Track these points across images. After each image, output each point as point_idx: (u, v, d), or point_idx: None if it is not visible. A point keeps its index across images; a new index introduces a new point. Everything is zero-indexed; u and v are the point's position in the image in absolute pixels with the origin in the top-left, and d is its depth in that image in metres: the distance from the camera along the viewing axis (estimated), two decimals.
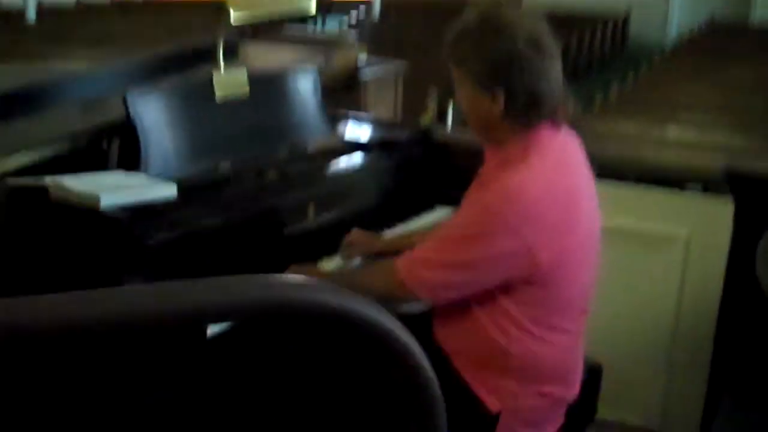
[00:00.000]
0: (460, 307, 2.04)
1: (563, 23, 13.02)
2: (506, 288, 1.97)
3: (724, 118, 7.26)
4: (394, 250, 2.38)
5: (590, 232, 2.06)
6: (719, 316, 2.86)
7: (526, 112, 1.97)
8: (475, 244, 1.93)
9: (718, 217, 2.86)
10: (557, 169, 1.98)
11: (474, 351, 2.06)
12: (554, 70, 1.99)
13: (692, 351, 2.99)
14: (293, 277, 0.91)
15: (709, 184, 2.88)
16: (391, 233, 2.63)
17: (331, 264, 2.42)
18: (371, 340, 0.89)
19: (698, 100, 8.04)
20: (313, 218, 2.52)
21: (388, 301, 2.00)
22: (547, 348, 2.04)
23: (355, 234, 2.48)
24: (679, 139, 6.79)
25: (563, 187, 1.97)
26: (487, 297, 2.00)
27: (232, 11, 2.55)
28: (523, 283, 1.96)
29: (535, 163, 1.95)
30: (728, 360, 2.89)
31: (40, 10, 13.05)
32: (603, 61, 13.71)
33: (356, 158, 2.80)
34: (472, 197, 2.02)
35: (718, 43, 11.55)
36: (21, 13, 12.64)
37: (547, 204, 1.92)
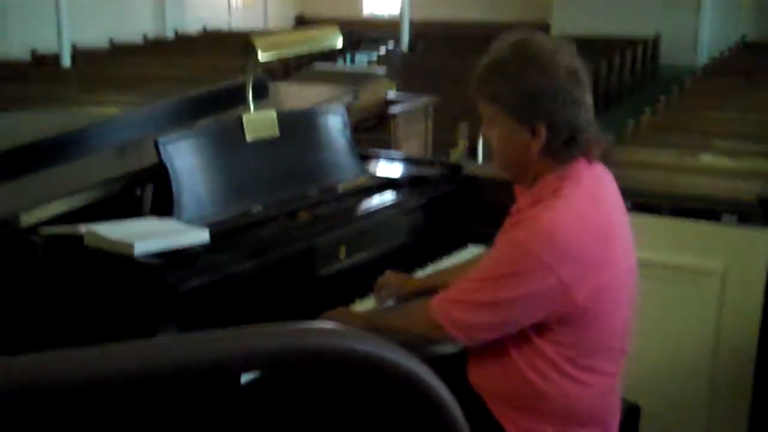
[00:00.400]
0: (496, 348, 2.00)
1: (593, 48, 13.08)
2: (542, 328, 1.93)
3: (757, 143, 7.19)
4: (428, 290, 2.37)
5: (626, 268, 2.01)
6: (759, 349, 2.80)
7: (567, 146, 1.92)
8: (510, 284, 1.88)
9: (754, 248, 2.82)
10: (591, 203, 1.93)
11: (509, 393, 2.02)
12: (589, 98, 1.95)
13: (732, 390, 2.93)
14: (322, 325, 0.91)
15: (744, 214, 2.84)
16: (424, 273, 2.63)
17: (364, 307, 2.42)
18: (400, 386, 0.88)
19: (731, 126, 7.98)
20: (345, 259, 2.52)
21: (424, 342, 1.99)
22: (585, 390, 1.99)
23: (388, 276, 2.46)
24: (712, 167, 6.74)
25: (598, 222, 1.92)
26: (523, 337, 1.96)
27: (259, 50, 2.57)
28: (559, 323, 1.92)
29: (568, 198, 1.90)
30: None
31: (75, 54, 13.29)
32: (634, 85, 13.67)
33: (387, 197, 2.81)
34: (506, 236, 1.97)
35: (750, 63, 11.49)
36: (56, 57, 12.89)
37: (582, 240, 1.87)
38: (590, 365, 1.99)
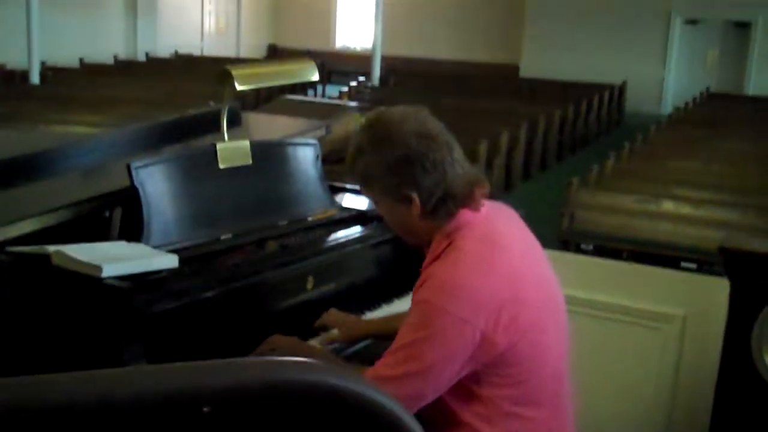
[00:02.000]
0: (443, 410, 2.00)
1: (561, 91, 13.24)
2: (477, 377, 1.95)
3: (720, 193, 7.32)
4: (373, 336, 2.40)
5: (545, 297, 2.03)
6: (716, 397, 2.85)
7: (444, 203, 1.98)
8: (428, 346, 1.89)
9: (713, 296, 2.87)
10: (487, 245, 1.97)
11: None
12: (455, 154, 2.00)
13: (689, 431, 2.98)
14: (295, 359, 0.92)
15: (704, 263, 2.89)
16: (389, 308, 2.65)
17: (316, 342, 2.41)
18: (380, 425, 0.89)
19: (693, 175, 8.12)
20: (312, 290, 2.54)
21: None
22: (534, 425, 2.01)
23: (333, 315, 2.44)
24: (674, 214, 6.84)
25: (498, 261, 1.95)
26: (462, 392, 1.97)
27: (236, 80, 2.59)
28: (490, 367, 1.93)
29: (463, 247, 1.95)
30: None
31: (45, 71, 13.21)
32: (599, 130, 13.86)
33: (356, 230, 2.83)
34: (414, 299, 1.99)
35: (714, 114, 11.73)
36: (25, 74, 12.80)
37: (486, 282, 1.90)
38: (532, 400, 2.00)
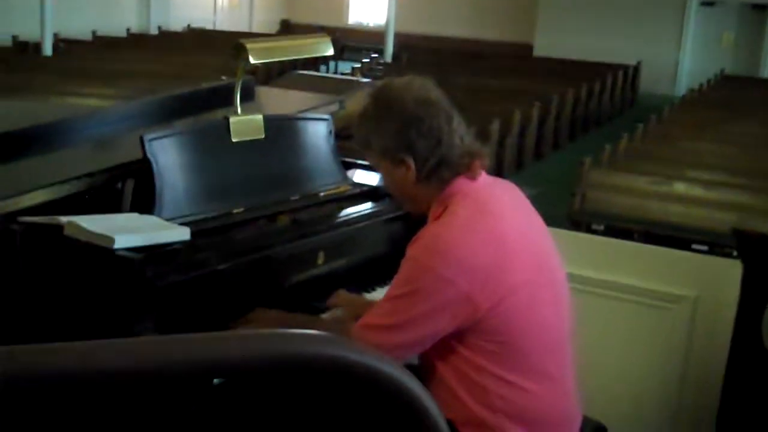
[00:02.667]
0: (439, 378, 2.03)
1: (574, 71, 13.14)
2: (466, 341, 1.98)
3: (732, 175, 7.29)
4: None
5: (538, 269, 2.05)
6: (725, 379, 2.85)
7: (439, 170, 2.04)
8: (414, 301, 1.95)
9: (725, 278, 2.86)
10: (478, 213, 2.02)
11: (465, 412, 2.03)
12: (454, 124, 2.07)
13: (697, 414, 2.97)
14: (309, 332, 0.92)
15: (715, 245, 2.88)
16: (383, 291, 2.65)
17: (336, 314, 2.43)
18: (389, 395, 0.89)
19: (706, 157, 8.08)
20: (322, 265, 2.54)
21: None
22: (530, 396, 2.03)
23: (341, 296, 2.47)
24: (685, 195, 6.82)
25: (486, 229, 1.99)
26: (455, 358, 2.00)
27: (250, 54, 2.57)
28: (475, 331, 1.96)
29: (454, 212, 2.01)
30: (733, 425, 2.87)
31: (57, 43, 13.20)
32: (613, 110, 13.79)
33: (367, 205, 2.83)
34: (405, 255, 2.04)
35: (728, 96, 11.65)
36: (38, 46, 12.80)
37: (472, 247, 1.94)
38: (529, 368, 2.02)
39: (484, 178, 2.10)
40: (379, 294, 2.58)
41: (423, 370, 2.04)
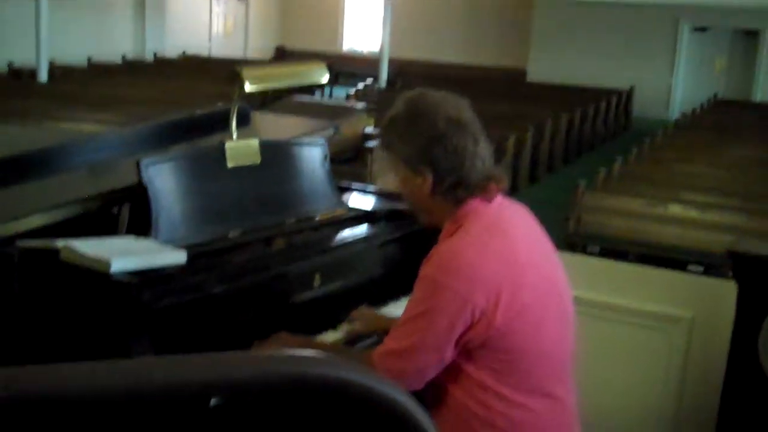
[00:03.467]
0: (442, 395, 2.05)
1: (568, 96, 13.22)
2: (474, 358, 1.99)
3: (727, 197, 7.31)
4: None
5: (548, 291, 2.07)
6: (722, 398, 2.85)
7: (455, 190, 2.05)
8: (429, 320, 1.96)
9: (721, 299, 2.87)
10: (492, 232, 2.03)
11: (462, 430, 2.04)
12: (480, 148, 2.07)
13: None
14: (309, 352, 0.92)
15: (710, 266, 2.89)
16: (396, 306, 2.65)
17: (335, 337, 2.43)
18: (389, 419, 0.89)
19: (701, 179, 8.11)
20: (318, 288, 2.54)
21: None
22: (530, 415, 2.03)
23: (363, 310, 2.50)
24: (680, 217, 6.83)
25: (502, 247, 2.01)
26: (460, 375, 2.01)
27: (246, 81, 2.59)
28: (486, 349, 1.97)
29: (468, 231, 2.02)
30: None
31: (53, 69, 13.25)
32: (606, 135, 13.85)
33: (363, 229, 2.84)
34: (419, 274, 2.05)
35: (721, 120, 11.71)
36: (33, 72, 12.83)
37: (486, 264, 1.96)
38: (532, 387, 2.03)
39: (499, 200, 2.12)
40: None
41: (426, 388, 2.05)
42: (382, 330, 2.41)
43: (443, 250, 2.01)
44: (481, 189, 2.06)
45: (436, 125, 2.04)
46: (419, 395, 2.07)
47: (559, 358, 2.10)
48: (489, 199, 2.08)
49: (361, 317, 2.48)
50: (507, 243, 2.03)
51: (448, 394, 2.04)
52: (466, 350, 1.98)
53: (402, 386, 1.93)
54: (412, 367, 1.99)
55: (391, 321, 2.46)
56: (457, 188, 2.05)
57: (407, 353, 1.99)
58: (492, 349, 1.98)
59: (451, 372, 2.02)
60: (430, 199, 2.09)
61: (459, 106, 2.10)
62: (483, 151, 2.08)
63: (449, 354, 1.98)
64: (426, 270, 2.00)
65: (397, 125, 2.11)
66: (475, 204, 2.07)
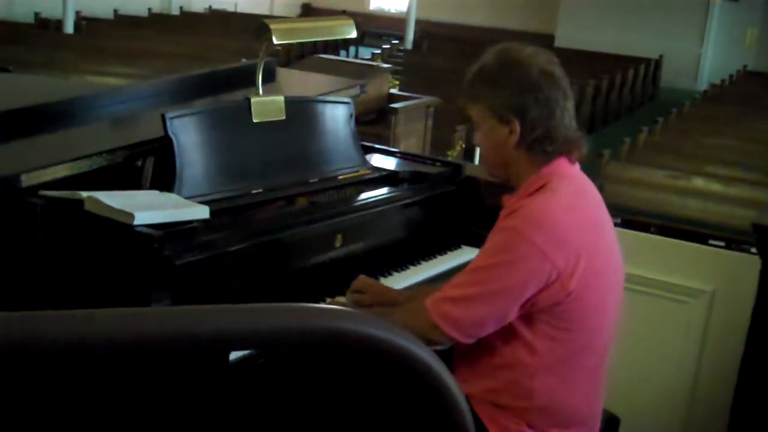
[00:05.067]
0: (486, 348, 2.03)
1: (595, 62, 13.03)
2: (534, 324, 1.96)
3: (752, 171, 7.24)
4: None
5: (613, 266, 2.06)
6: (740, 373, 2.84)
7: (542, 143, 2.02)
8: (504, 271, 1.92)
9: (743, 273, 2.85)
10: (579, 196, 2.03)
11: (496, 393, 2.04)
12: (569, 106, 2.05)
13: (711, 408, 2.97)
14: (336, 307, 0.92)
15: (732, 241, 2.86)
16: (416, 270, 2.65)
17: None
18: (408, 372, 0.88)
19: (726, 153, 8.02)
20: (340, 248, 2.54)
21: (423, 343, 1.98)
22: (571, 390, 2.03)
23: (362, 280, 2.39)
24: (704, 191, 6.77)
25: (585, 213, 2.01)
26: (513, 334, 1.98)
27: (274, 35, 2.57)
28: (550, 316, 1.95)
29: (556, 190, 1.99)
30: (746, 419, 2.86)
31: (79, 21, 13.23)
32: (633, 104, 13.71)
33: (386, 190, 2.83)
34: (498, 226, 2.02)
35: (750, 92, 11.55)
36: (59, 23, 12.83)
37: (572, 227, 1.94)
38: (579, 363, 2.03)
39: (578, 168, 2.10)
40: (395, 279, 2.58)
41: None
42: (389, 303, 2.38)
43: (532, 204, 1.96)
44: (568, 148, 2.03)
45: (529, 75, 2.00)
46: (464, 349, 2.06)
47: (609, 334, 2.09)
48: (573, 161, 2.06)
49: (365, 287, 2.39)
50: (591, 207, 2.03)
51: (495, 353, 2.02)
52: (528, 314, 1.95)
53: (453, 336, 1.93)
54: (470, 317, 1.94)
55: (400, 293, 2.43)
56: (544, 141, 2.01)
57: (470, 302, 1.94)
58: (555, 316, 1.95)
59: (506, 330, 1.98)
60: (513, 151, 2.04)
61: (551, 60, 2.07)
62: (571, 109, 2.06)
63: (513, 313, 1.94)
64: (510, 222, 1.96)
65: (487, 74, 2.06)
66: (561, 163, 2.04)
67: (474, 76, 2.08)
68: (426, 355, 0.83)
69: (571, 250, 1.91)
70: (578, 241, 1.93)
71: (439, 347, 2.00)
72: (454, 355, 2.14)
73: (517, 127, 2.01)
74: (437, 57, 13.13)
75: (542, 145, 2.02)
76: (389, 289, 2.43)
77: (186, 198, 2.31)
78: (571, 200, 1.99)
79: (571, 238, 1.92)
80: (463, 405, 0.85)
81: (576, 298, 1.93)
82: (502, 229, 1.98)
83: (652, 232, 3.42)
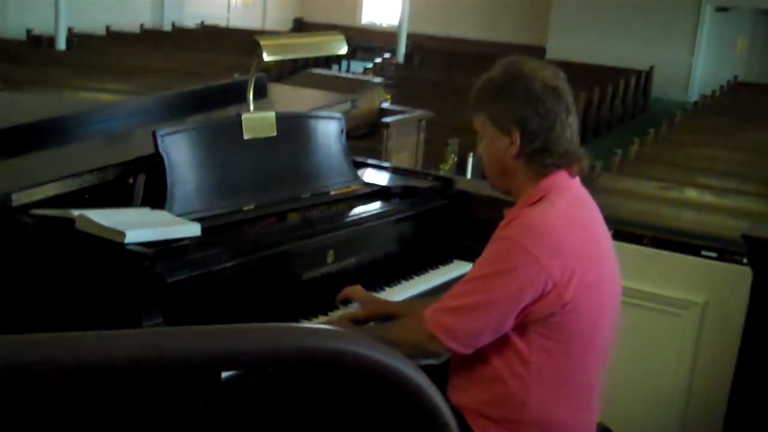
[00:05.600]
0: (481, 360, 2.03)
1: (587, 74, 13.11)
2: (528, 334, 1.96)
3: (744, 182, 7.26)
4: (395, 317, 2.35)
5: (610, 279, 2.07)
6: (733, 384, 2.84)
7: (541, 155, 2.03)
8: (500, 280, 1.93)
9: (735, 284, 2.86)
10: (576, 206, 2.04)
11: (490, 405, 2.04)
12: (571, 121, 2.06)
13: (704, 420, 2.97)
14: (325, 327, 0.92)
15: (725, 252, 2.87)
16: (408, 285, 2.65)
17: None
18: (398, 392, 0.89)
19: (718, 164, 8.05)
20: (332, 263, 2.54)
21: (419, 354, 1.98)
22: (565, 403, 2.03)
23: (357, 291, 2.43)
24: (696, 202, 6.79)
25: (583, 223, 2.02)
26: (508, 346, 1.99)
27: (265, 51, 2.57)
28: (544, 327, 1.95)
29: (555, 202, 2.00)
30: (740, 430, 2.86)
31: (71, 37, 13.25)
32: (624, 115, 13.76)
33: (378, 205, 2.83)
34: (495, 236, 2.02)
35: (741, 102, 11.60)
36: (51, 40, 12.84)
37: (569, 237, 1.95)
38: (575, 377, 2.03)
39: (578, 182, 2.12)
40: (387, 294, 2.58)
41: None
42: (383, 316, 2.38)
43: (529, 215, 1.98)
44: (567, 161, 2.04)
45: (532, 87, 2.02)
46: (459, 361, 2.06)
47: (605, 348, 2.09)
48: (573, 175, 2.07)
49: (359, 297, 2.42)
50: (589, 222, 2.04)
51: (488, 365, 2.02)
52: (523, 325, 1.96)
53: (450, 346, 1.93)
54: (467, 328, 1.95)
55: (393, 306, 2.44)
56: (544, 154, 2.03)
57: (466, 312, 1.95)
58: (550, 328, 1.95)
59: (500, 341, 1.98)
60: (513, 162, 2.06)
61: (557, 75, 2.09)
62: (574, 124, 2.07)
63: (509, 323, 1.95)
64: (507, 231, 1.97)
65: (492, 85, 2.10)
66: (560, 177, 2.05)
67: (480, 86, 2.12)
68: (415, 374, 0.83)
69: (567, 261, 1.92)
70: (575, 252, 1.94)
71: (436, 359, 2.01)
72: (449, 368, 2.14)
73: (517, 138, 2.03)
74: (429, 70, 13.17)
75: (541, 157, 2.03)
76: (382, 302, 2.44)
77: (177, 215, 2.31)
78: (569, 211, 2.00)
79: (568, 248, 1.93)
80: (453, 425, 0.85)
81: (571, 310, 1.93)
82: (499, 238, 1.99)
83: (644, 244, 3.42)
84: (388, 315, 2.38)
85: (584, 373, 2.05)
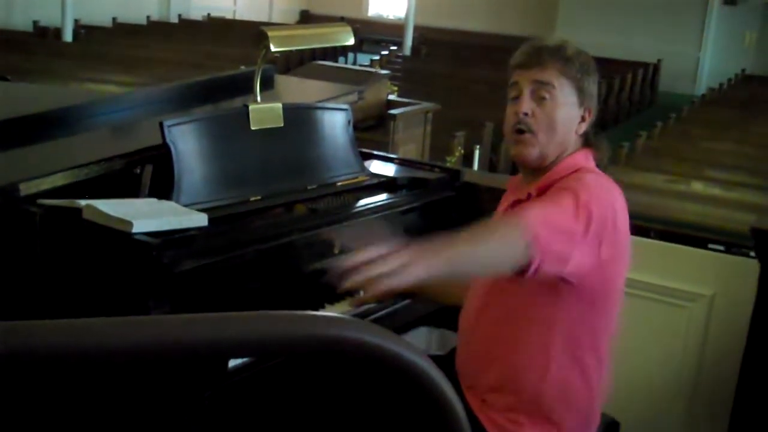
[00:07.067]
0: (507, 326, 2.06)
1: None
2: (559, 294, 1.97)
3: (751, 175, 7.24)
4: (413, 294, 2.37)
5: (627, 255, 2.08)
6: (740, 377, 2.83)
7: (591, 134, 2.15)
8: (586, 212, 1.90)
9: (743, 277, 2.85)
10: (608, 181, 2.09)
11: (499, 392, 2.07)
12: None
13: (712, 413, 2.97)
14: (329, 314, 0.92)
15: (732, 246, 2.86)
16: None
17: (339, 308, 2.40)
18: (404, 378, 0.88)
19: (725, 157, 8.02)
20: (338, 254, 2.54)
21: (509, 258, 1.87)
22: (580, 380, 2.06)
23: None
24: (703, 195, 6.77)
25: (615, 195, 2.04)
26: (542, 315, 2.01)
27: (272, 41, 2.57)
28: (577, 287, 1.95)
29: (583, 177, 2.04)
30: (747, 423, 2.86)
31: (77, 29, 13.26)
32: (631, 108, 13.72)
33: (384, 196, 2.83)
34: (555, 188, 2.02)
35: (749, 96, 11.55)
36: (58, 32, 12.85)
37: (610, 190, 2.02)
38: (595, 346, 2.06)
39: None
40: None
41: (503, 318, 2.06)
42: (392, 297, 2.36)
43: (573, 178, 2.03)
44: (597, 145, 2.15)
45: (596, 70, 2.17)
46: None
47: (614, 323, 2.11)
48: (599, 159, 2.15)
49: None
50: (619, 194, 2.07)
51: (515, 326, 2.06)
52: (556, 291, 1.95)
53: (535, 260, 1.85)
54: (557, 248, 1.86)
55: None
56: (592, 134, 2.14)
57: (554, 228, 1.87)
58: (582, 287, 1.95)
59: (526, 303, 2.02)
60: (574, 135, 2.11)
61: None
62: None
63: (580, 255, 1.88)
64: (568, 182, 2.00)
65: (583, 58, 2.16)
66: (589, 157, 2.12)
67: (573, 54, 2.14)
68: (422, 362, 0.83)
69: (608, 213, 1.95)
70: (612, 207, 1.98)
71: (519, 266, 1.87)
72: (457, 358, 2.16)
73: (589, 118, 2.13)
74: (436, 63, 13.15)
75: (590, 136, 2.15)
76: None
77: (184, 206, 2.32)
78: (602, 183, 2.05)
79: (608, 201, 1.98)
80: (461, 412, 0.85)
81: (604, 266, 1.94)
82: (562, 188, 1.99)
83: (651, 237, 3.41)
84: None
85: (603, 345, 2.08)
